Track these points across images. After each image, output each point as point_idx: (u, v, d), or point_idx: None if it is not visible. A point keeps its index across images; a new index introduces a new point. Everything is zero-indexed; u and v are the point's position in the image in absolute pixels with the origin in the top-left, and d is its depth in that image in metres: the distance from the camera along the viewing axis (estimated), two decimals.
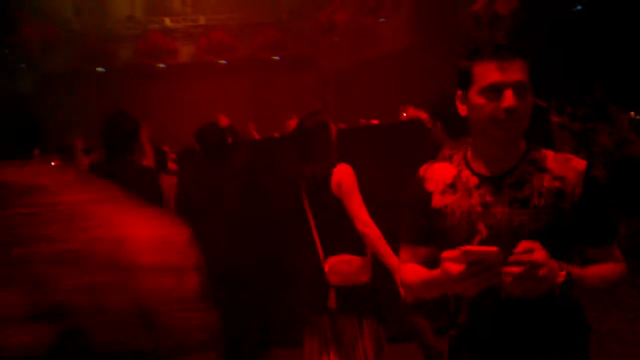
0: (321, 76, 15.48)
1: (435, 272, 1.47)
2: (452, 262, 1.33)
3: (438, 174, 1.61)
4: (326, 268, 2.57)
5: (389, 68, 12.47)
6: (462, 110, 1.53)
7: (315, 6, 13.98)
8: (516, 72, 1.42)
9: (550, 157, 1.54)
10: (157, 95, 13.78)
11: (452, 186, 1.56)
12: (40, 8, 12.37)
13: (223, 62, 13.93)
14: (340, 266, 2.56)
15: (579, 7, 9.02)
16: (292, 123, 7.84)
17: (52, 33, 11.97)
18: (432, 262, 1.58)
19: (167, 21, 14.08)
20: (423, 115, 5.43)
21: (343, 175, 2.57)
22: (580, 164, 1.50)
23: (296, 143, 2.71)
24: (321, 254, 2.61)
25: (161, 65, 13.39)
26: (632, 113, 6.72)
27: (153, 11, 14.19)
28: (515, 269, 1.29)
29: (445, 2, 11.55)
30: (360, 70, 13.67)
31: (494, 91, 1.41)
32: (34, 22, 11.59)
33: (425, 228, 1.62)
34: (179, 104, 13.81)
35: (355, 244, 2.60)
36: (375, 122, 6.99)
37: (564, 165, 1.50)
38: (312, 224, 2.65)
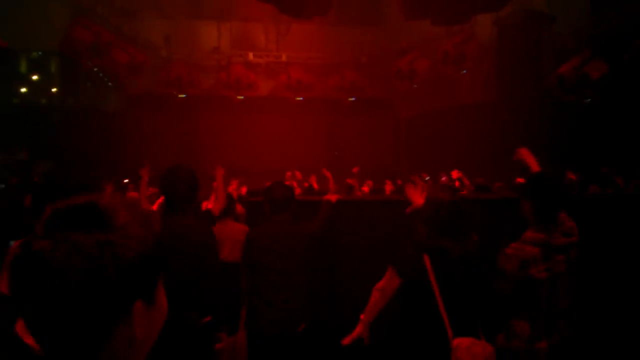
0: (395, 120, 15.41)
1: None
2: None
3: None
4: (457, 351, 2.23)
5: (464, 120, 12.25)
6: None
7: (395, 52, 14.06)
8: None
9: None
10: (233, 126, 14.17)
11: None
12: (132, 34, 13.14)
13: (300, 99, 14.16)
14: (474, 349, 2.23)
15: None
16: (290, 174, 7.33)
17: (140, 58, 12.59)
18: None
19: (251, 55, 14.55)
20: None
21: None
22: None
23: (438, 215, 2.34)
24: (450, 333, 2.27)
25: (240, 97, 13.75)
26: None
27: (238, 45, 14.71)
28: None
29: (529, 60, 11.26)
30: (434, 118, 13.54)
31: None
32: (124, 46, 12.23)
33: None
34: (253, 137, 14.13)
35: (477, 328, 2.32)
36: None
37: None
38: (439, 299, 2.31)
